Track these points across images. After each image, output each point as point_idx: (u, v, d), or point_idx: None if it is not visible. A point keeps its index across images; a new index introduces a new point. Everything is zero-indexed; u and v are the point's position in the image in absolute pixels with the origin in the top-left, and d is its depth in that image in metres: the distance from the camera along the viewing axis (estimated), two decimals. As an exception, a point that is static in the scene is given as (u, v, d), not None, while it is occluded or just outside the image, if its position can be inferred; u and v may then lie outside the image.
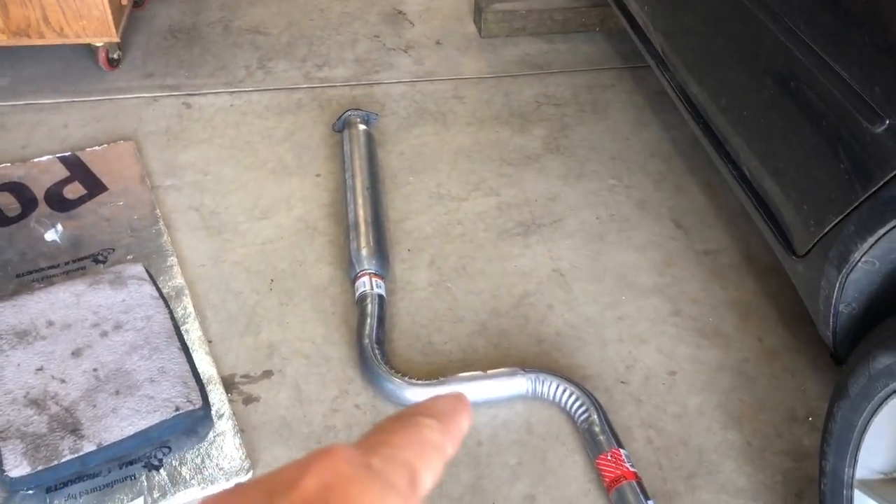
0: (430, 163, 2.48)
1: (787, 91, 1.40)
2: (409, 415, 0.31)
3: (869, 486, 1.30)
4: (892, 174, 1.11)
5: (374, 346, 1.81)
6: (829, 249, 1.27)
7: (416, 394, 1.75)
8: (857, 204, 1.20)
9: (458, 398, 0.33)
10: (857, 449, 1.29)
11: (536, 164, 2.50)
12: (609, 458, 1.62)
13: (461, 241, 2.21)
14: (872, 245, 1.19)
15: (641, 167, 2.51)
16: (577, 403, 1.72)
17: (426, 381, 1.76)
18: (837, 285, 1.27)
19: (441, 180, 2.41)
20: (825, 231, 1.29)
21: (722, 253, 2.22)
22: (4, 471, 1.54)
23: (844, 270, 1.24)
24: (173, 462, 1.63)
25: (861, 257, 1.21)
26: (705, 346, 1.97)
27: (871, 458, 1.29)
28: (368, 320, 1.86)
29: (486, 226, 2.27)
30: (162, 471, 1.61)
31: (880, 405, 1.22)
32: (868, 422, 1.26)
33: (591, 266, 2.16)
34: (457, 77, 2.87)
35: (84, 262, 2.04)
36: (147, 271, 1.95)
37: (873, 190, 1.16)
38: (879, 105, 1.13)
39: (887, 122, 1.12)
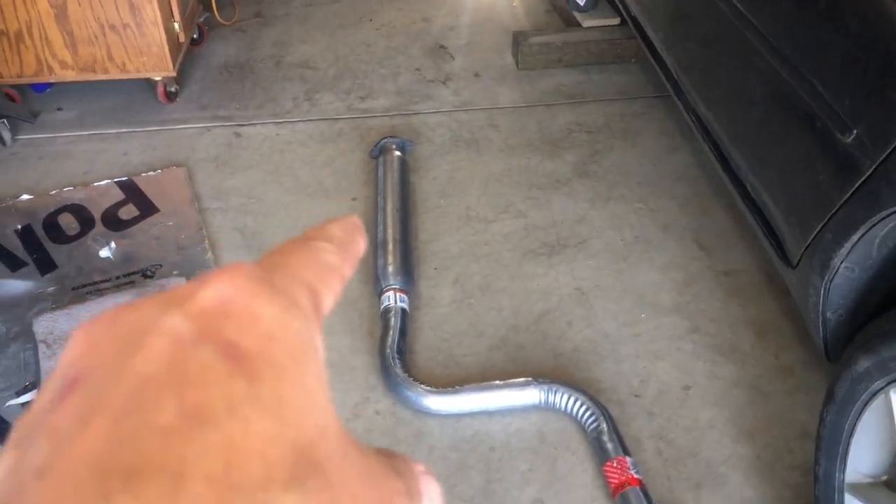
0: (461, 187, 2.59)
1: (775, 107, 1.46)
2: (305, 238, 0.29)
3: (858, 490, 1.32)
4: (860, 181, 1.16)
5: (396, 356, 1.91)
6: (813, 257, 1.32)
7: (433, 401, 1.84)
8: (833, 212, 1.25)
9: (351, 220, 0.32)
10: (846, 453, 1.32)
11: (565, 188, 2.58)
12: (615, 464, 1.67)
13: (486, 261, 2.30)
14: (850, 251, 1.23)
15: (668, 191, 2.56)
16: (588, 413, 1.78)
17: (443, 389, 1.84)
18: (822, 292, 1.31)
19: (471, 203, 2.52)
20: (809, 240, 1.34)
21: (743, 273, 2.25)
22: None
23: (827, 277, 1.29)
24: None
25: (841, 263, 1.26)
26: (721, 363, 2.00)
27: (858, 461, 1.31)
28: (391, 332, 1.96)
29: (512, 246, 2.35)
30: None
31: (864, 408, 1.26)
32: (854, 425, 1.29)
33: (612, 285, 2.22)
34: (492, 107, 2.98)
35: (133, 276, 2.20)
36: (189, 285, 2.10)
37: (846, 197, 1.21)
38: (849, 116, 1.19)
39: (855, 131, 1.17)
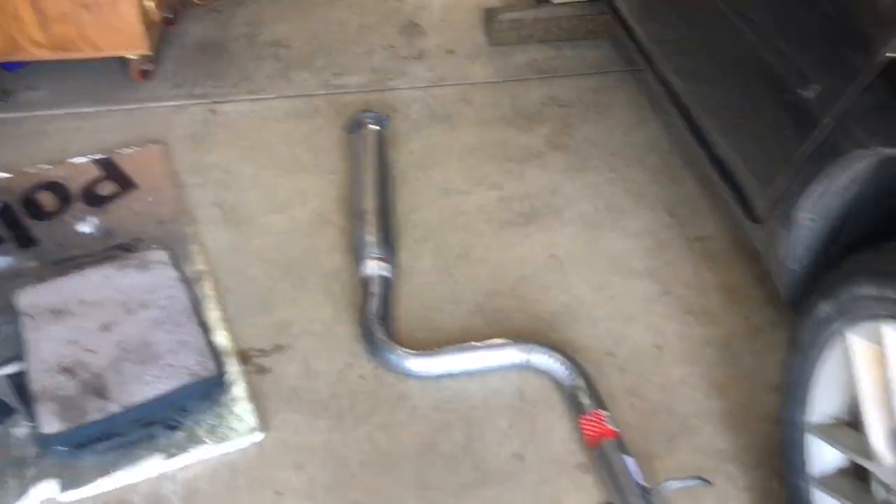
0: (437, 161, 2.63)
1: (741, 70, 1.52)
2: None
3: (821, 430, 1.39)
4: (820, 134, 1.22)
5: (377, 320, 1.95)
6: (777, 210, 1.38)
7: (414, 363, 1.89)
8: (795, 165, 1.31)
9: None
10: (808, 396, 1.39)
11: (539, 160, 2.63)
12: (591, 418, 1.73)
13: (464, 231, 2.35)
14: (812, 203, 1.29)
15: (640, 162, 2.62)
16: (564, 370, 1.84)
17: (423, 351, 1.90)
18: (786, 244, 1.38)
19: (447, 176, 2.56)
20: (775, 194, 1.40)
21: (713, 239, 2.32)
22: (40, 429, 1.71)
23: (790, 229, 1.35)
24: (190, 423, 1.78)
25: (803, 215, 1.32)
26: (692, 324, 2.07)
27: (820, 403, 1.38)
28: (372, 298, 2.01)
29: (489, 217, 2.40)
30: (179, 431, 1.77)
31: (823, 351, 1.32)
32: (815, 368, 1.36)
33: (586, 252, 2.28)
34: (466, 82, 3.02)
35: (114, 250, 2.21)
36: (170, 256, 2.12)
37: (807, 150, 1.27)
38: (810, 70, 1.25)
39: (815, 85, 1.23)
